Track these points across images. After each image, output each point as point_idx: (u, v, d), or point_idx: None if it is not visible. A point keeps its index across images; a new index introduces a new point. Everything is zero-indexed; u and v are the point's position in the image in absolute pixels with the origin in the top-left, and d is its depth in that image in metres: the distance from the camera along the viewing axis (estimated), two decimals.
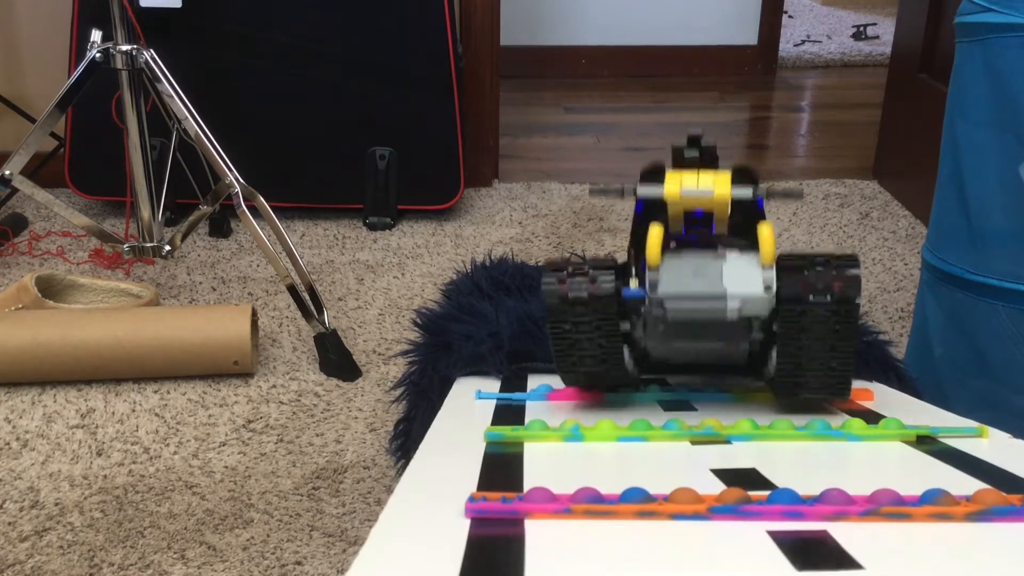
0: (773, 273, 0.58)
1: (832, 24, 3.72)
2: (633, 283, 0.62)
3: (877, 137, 2.13)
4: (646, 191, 0.59)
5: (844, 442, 0.58)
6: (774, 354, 0.61)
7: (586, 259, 0.62)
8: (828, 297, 0.57)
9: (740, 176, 0.59)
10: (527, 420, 0.65)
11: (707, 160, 0.61)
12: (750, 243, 0.60)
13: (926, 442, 0.57)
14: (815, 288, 0.57)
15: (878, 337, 0.85)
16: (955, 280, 1.05)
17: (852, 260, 0.58)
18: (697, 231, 0.61)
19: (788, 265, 0.58)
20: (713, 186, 0.57)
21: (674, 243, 0.61)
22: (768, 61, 3.08)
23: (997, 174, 0.98)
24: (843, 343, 0.59)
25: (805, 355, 0.60)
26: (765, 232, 0.57)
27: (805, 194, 2.00)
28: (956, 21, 1.03)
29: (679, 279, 0.59)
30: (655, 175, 0.60)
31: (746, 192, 0.57)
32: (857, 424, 0.58)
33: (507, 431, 0.59)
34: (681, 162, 0.62)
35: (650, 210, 0.63)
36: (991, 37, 0.97)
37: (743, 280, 0.58)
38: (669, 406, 0.68)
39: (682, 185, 0.57)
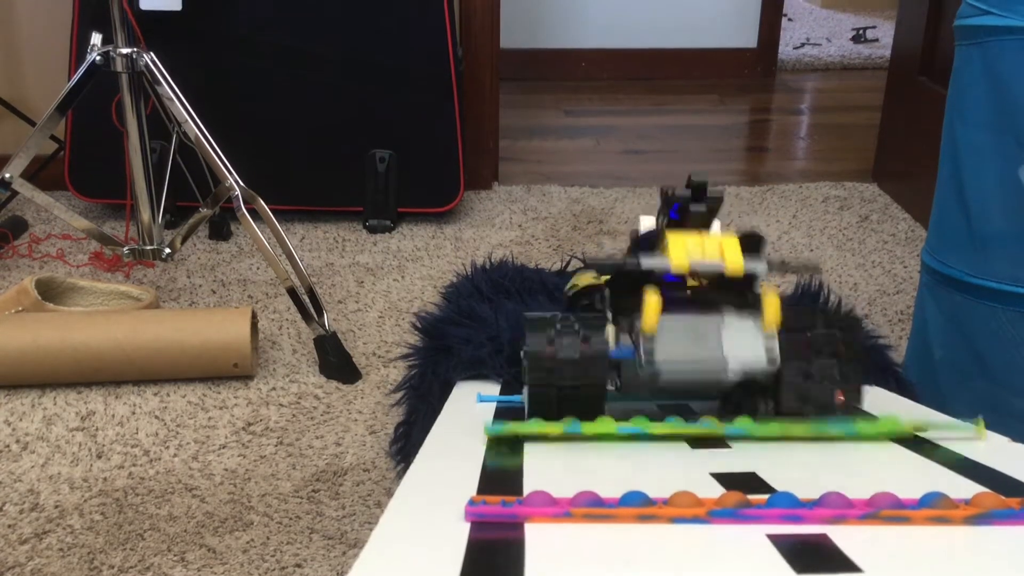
0: (776, 341, 0.54)
1: (832, 27, 3.73)
2: (613, 331, 0.58)
3: (877, 140, 2.13)
4: (651, 263, 0.53)
5: (842, 438, 0.57)
6: (768, 399, 0.58)
7: (574, 316, 0.57)
8: (833, 359, 0.54)
9: (748, 243, 0.54)
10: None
11: (711, 208, 0.56)
12: (744, 299, 0.56)
13: (925, 445, 0.57)
14: (820, 352, 0.54)
15: (877, 341, 0.86)
16: (955, 283, 1.05)
17: (854, 321, 0.55)
18: (694, 290, 0.56)
19: (791, 333, 0.54)
20: (724, 258, 0.52)
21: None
22: (768, 64, 3.08)
23: (997, 177, 0.98)
24: (850, 382, 0.55)
25: (809, 399, 0.57)
26: (771, 299, 0.53)
27: (806, 197, 2.00)
28: (955, 24, 1.03)
29: (676, 347, 0.54)
30: (651, 240, 0.55)
31: (761, 267, 0.52)
32: (857, 418, 0.59)
33: (508, 424, 0.58)
34: (684, 215, 0.55)
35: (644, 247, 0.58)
36: (990, 40, 0.97)
37: (744, 346, 0.54)
38: (666, 409, 0.68)
39: (690, 256, 0.52)
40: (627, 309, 0.57)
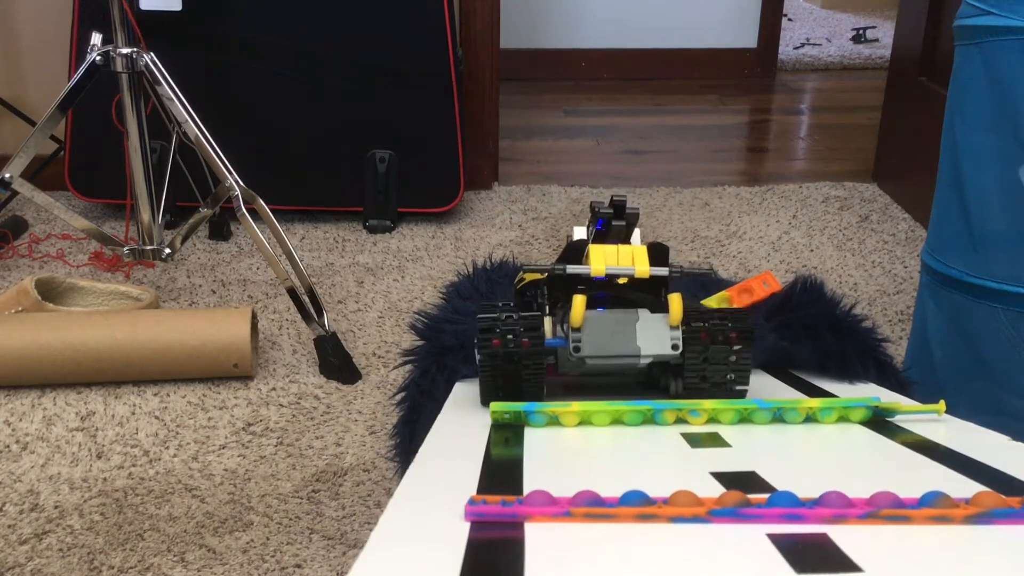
0: (679, 333, 0.67)
1: (832, 27, 3.73)
2: (550, 321, 0.70)
3: (877, 140, 2.13)
4: (576, 270, 0.66)
5: (801, 420, 0.62)
6: (678, 378, 0.70)
7: (516, 311, 0.68)
8: (727, 346, 0.67)
9: (656, 252, 0.68)
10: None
11: (629, 222, 0.68)
12: (658, 299, 0.69)
13: (926, 446, 0.57)
14: (715, 340, 0.66)
15: (877, 341, 0.86)
16: (955, 283, 1.05)
17: (744, 313, 0.67)
18: (614, 289, 0.68)
19: (692, 325, 0.67)
20: (634, 264, 0.66)
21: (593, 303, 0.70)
22: (768, 64, 3.08)
23: (997, 177, 0.98)
24: (740, 366, 0.68)
25: (707, 378, 0.69)
26: (675, 300, 0.66)
27: (806, 197, 2.00)
28: (955, 24, 1.03)
29: (598, 339, 0.67)
30: (578, 252, 0.68)
31: (663, 271, 0.66)
32: (816, 402, 0.63)
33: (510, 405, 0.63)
34: (607, 229, 0.68)
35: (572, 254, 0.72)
36: (990, 40, 0.97)
37: (654, 339, 0.67)
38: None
39: (607, 263, 0.65)
40: (563, 303, 0.69)
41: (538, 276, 0.71)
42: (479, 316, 0.67)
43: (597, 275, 0.65)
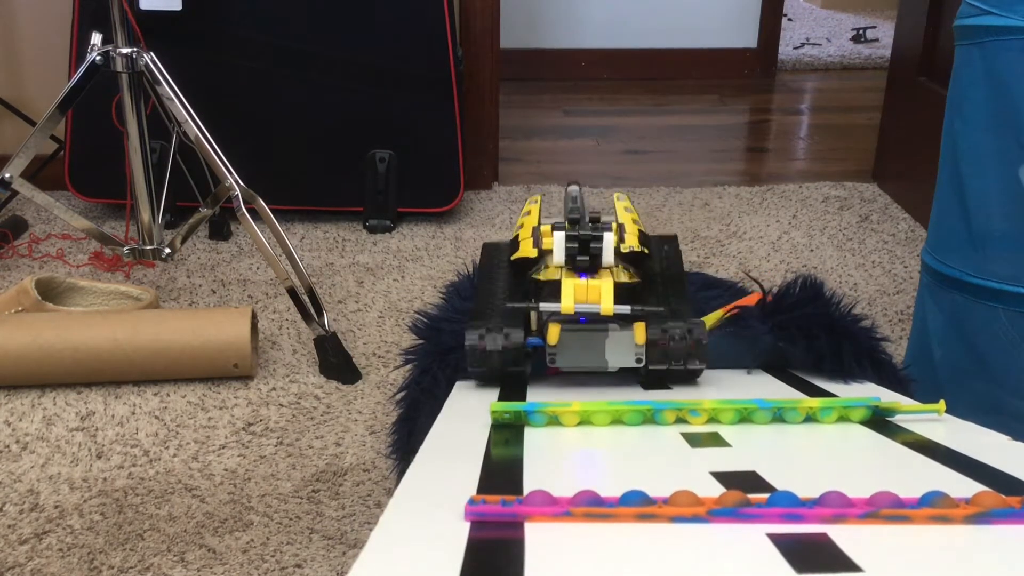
0: (643, 349, 0.76)
1: (832, 27, 3.73)
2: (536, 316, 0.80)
3: (877, 140, 2.13)
4: (548, 307, 0.75)
5: (801, 421, 0.62)
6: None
7: (503, 318, 0.78)
8: (684, 354, 0.76)
9: (624, 290, 0.77)
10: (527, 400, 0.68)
11: (594, 255, 0.77)
12: (626, 320, 0.77)
13: (926, 446, 0.57)
14: (675, 357, 0.76)
15: (875, 340, 0.86)
16: (955, 283, 1.05)
17: (700, 324, 0.76)
18: (589, 315, 0.77)
19: (653, 340, 0.76)
20: (600, 302, 0.74)
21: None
22: (768, 64, 3.08)
23: (997, 177, 0.98)
24: (694, 367, 0.76)
25: (668, 375, 0.79)
26: (639, 328, 0.76)
27: (806, 197, 2.00)
28: (955, 24, 1.03)
29: (570, 354, 0.77)
30: (555, 289, 0.77)
31: (625, 309, 0.74)
32: (816, 402, 0.63)
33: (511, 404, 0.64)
34: (572, 264, 0.77)
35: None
36: (990, 40, 0.97)
37: (621, 353, 0.77)
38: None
39: (576, 299, 0.74)
40: (547, 291, 0.78)
41: (530, 255, 0.82)
42: (467, 332, 0.77)
43: (567, 311, 0.74)
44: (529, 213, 0.91)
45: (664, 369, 0.76)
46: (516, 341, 0.76)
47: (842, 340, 0.82)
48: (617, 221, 0.86)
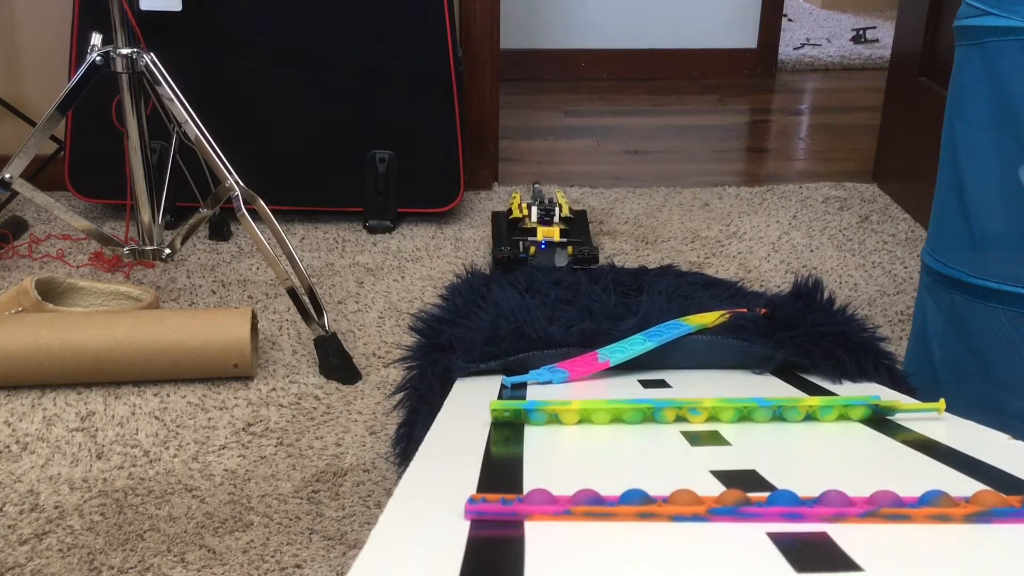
0: (571, 257, 1.43)
1: (832, 27, 3.73)
2: None
3: (877, 140, 2.13)
4: (530, 240, 1.47)
5: (801, 419, 0.63)
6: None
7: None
8: (587, 259, 1.45)
9: (560, 233, 1.59)
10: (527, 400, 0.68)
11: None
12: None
13: (926, 445, 0.57)
14: (583, 260, 1.48)
15: (878, 341, 0.85)
16: (955, 283, 1.05)
17: (595, 247, 1.41)
18: (547, 243, 1.60)
19: (574, 253, 1.42)
20: (553, 236, 1.45)
21: None
22: (768, 64, 3.08)
23: (997, 177, 0.98)
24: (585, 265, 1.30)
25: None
26: (569, 248, 1.41)
27: (806, 197, 2.00)
28: (955, 24, 1.03)
29: (538, 259, 1.36)
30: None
31: (564, 240, 1.47)
32: (816, 400, 0.64)
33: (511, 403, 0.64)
34: (540, 216, 1.57)
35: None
36: (990, 40, 0.97)
37: (561, 259, 1.44)
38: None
39: (542, 236, 1.40)
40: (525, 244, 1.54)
41: (520, 215, 1.62)
42: (498, 248, 1.53)
43: (537, 241, 1.36)
44: (513, 199, 1.80)
45: (579, 267, 1.32)
46: (515, 252, 1.56)
47: (864, 358, 0.80)
48: (558, 203, 1.70)
